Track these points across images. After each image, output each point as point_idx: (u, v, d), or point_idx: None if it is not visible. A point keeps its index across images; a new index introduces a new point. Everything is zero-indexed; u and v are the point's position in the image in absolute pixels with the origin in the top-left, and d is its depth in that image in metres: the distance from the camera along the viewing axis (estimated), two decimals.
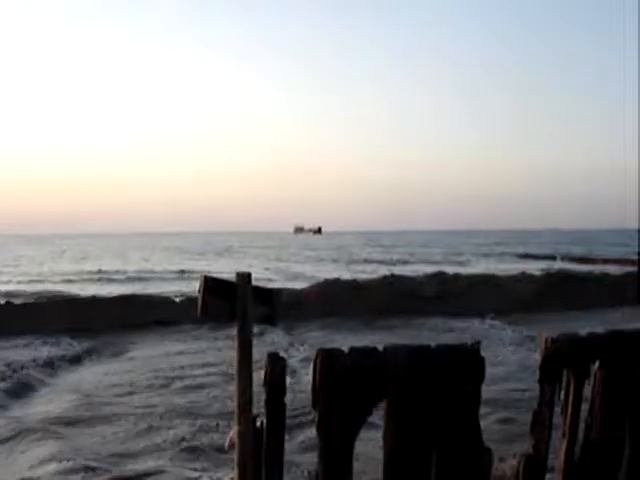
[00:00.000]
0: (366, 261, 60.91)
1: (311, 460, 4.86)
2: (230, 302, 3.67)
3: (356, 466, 3.96)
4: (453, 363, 3.90)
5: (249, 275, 3.73)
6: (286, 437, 3.92)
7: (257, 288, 3.80)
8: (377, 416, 3.94)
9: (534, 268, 33.67)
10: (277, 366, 3.75)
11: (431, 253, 73.34)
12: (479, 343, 3.96)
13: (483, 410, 4.10)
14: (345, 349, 3.78)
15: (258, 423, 3.77)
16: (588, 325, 9.72)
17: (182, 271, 47.23)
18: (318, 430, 3.77)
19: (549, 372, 4.35)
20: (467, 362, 3.92)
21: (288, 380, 3.88)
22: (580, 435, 4.76)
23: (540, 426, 4.39)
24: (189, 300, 19.88)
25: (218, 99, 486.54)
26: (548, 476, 4.62)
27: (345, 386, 3.70)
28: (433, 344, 3.95)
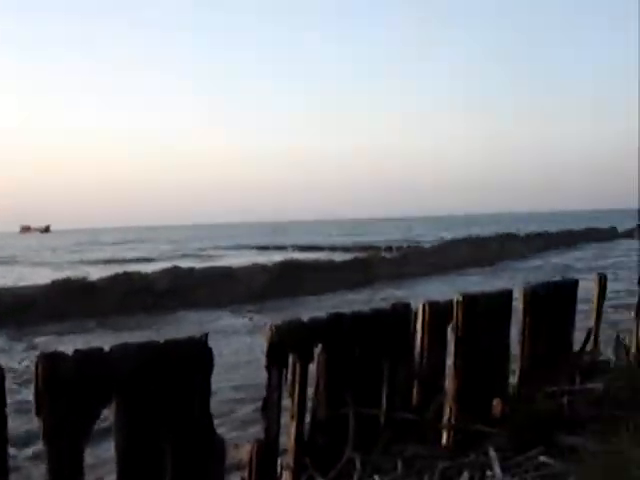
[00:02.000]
0: (99, 260, 58.96)
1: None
2: None
3: (90, 470, 3.85)
4: (182, 357, 3.91)
5: None
6: (14, 449, 3.71)
7: None
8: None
9: (266, 260, 34.57)
10: None
11: (167, 249, 72.63)
12: (207, 335, 4.01)
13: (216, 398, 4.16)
14: (69, 352, 3.65)
15: None
16: (320, 309, 10.19)
17: None
18: (44, 439, 3.61)
19: (275, 357, 4.52)
20: (196, 354, 3.96)
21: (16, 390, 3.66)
22: (308, 416, 5.00)
23: (270, 410, 4.55)
24: None
25: None
26: (280, 458, 4.80)
27: (70, 390, 3.57)
28: (161, 340, 3.94)
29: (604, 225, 65.64)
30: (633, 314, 8.12)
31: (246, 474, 4.61)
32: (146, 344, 3.89)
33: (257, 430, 4.71)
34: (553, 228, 59.57)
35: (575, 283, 7.19)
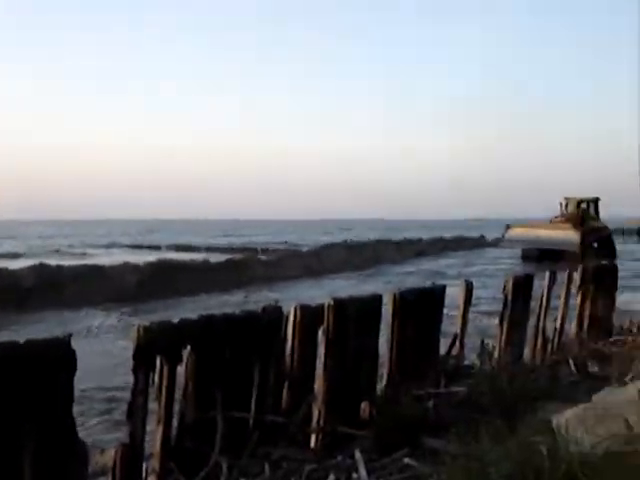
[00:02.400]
0: None
1: None
2: None
3: None
4: (43, 357, 3.76)
5: None
6: None
7: None
8: None
9: (139, 259, 33.85)
10: None
11: (36, 244, 69.95)
12: (70, 335, 3.87)
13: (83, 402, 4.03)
14: None
15: None
16: (193, 310, 10.05)
17: None
18: None
19: (142, 360, 4.42)
20: (58, 355, 3.81)
21: None
22: (175, 419, 4.91)
23: (135, 414, 4.44)
24: None
25: None
26: (146, 463, 4.70)
27: None
28: (22, 339, 3.77)
29: (474, 234, 68.07)
30: (497, 321, 8.43)
31: (110, 479, 4.49)
32: (5, 343, 3.71)
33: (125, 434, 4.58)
34: (426, 235, 61.26)
35: (443, 289, 7.39)
